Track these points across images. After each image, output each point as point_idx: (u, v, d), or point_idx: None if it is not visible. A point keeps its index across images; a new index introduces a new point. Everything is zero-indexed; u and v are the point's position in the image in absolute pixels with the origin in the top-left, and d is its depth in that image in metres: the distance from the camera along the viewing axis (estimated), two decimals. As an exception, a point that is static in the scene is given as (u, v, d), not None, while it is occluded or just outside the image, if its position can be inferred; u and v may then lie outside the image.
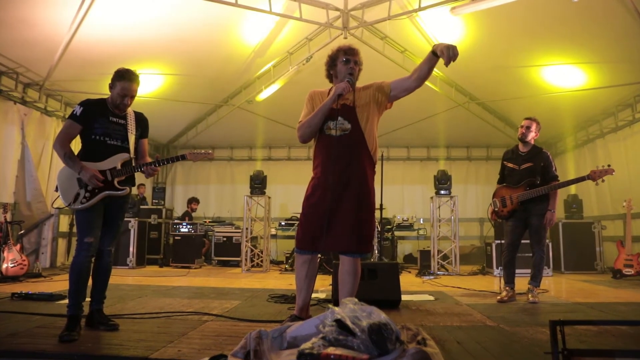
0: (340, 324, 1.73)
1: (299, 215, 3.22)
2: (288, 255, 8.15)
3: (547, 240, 6.47)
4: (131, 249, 7.57)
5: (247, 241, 7.54)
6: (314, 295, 3.68)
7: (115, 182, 2.94)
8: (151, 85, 7.63)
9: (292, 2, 6.12)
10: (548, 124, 6.74)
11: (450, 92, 8.26)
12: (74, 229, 6.96)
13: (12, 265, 5.52)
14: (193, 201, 9.64)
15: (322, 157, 2.88)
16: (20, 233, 6.32)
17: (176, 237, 8.24)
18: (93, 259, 2.91)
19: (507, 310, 3.82)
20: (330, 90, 2.96)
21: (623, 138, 7.49)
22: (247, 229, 7.58)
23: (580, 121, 8.47)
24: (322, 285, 5.13)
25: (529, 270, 4.42)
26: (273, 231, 8.90)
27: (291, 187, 10.05)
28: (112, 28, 5.96)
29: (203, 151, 3.16)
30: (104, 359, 2.34)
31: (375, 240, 6.87)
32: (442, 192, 7.65)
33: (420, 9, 5.95)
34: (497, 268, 6.73)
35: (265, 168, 8.78)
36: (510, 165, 4.57)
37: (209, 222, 9.55)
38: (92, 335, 2.74)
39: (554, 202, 4.33)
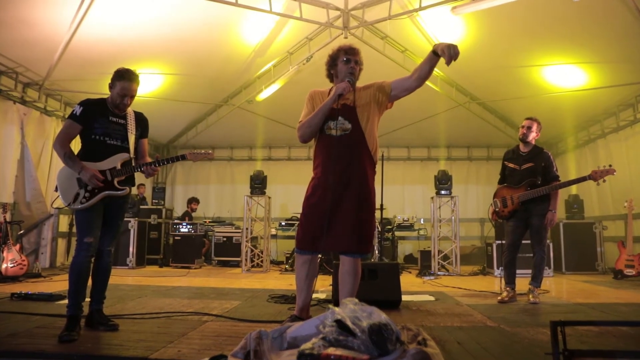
0: (340, 324, 1.73)
1: (299, 216, 3.21)
2: (288, 255, 8.14)
3: (548, 241, 6.45)
4: (131, 249, 7.56)
5: (247, 241, 7.53)
6: (314, 295, 3.66)
7: (115, 182, 2.94)
8: (151, 85, 7.62)
9: (293, 1, 6.10)
10: (549, 124, 6.73)
11: (450, 92, 8.25)
12: (74, 229, 7.00)
13: (12, 265, 5.52)
14: (193, 201, 9.64)
15: (322, 157, 2.87)
16: (19, 233, 6.31)
17: (176, 237, 8.23)
18: (93, 259, 2.91)
19: (508, 310, 3.82)
20: (330, 90, 2.95)
21: (624, 138, 7.48)
22: (247, 229, 7.57)
23: (582, 121, 8.46)
24: (322, 286, 5.13)
25: (529, 271, 4.41)
26: (273, 231, 8.89)
27: (291, 187, 10.04)
28: (111, 28, 5.96)
29: (203, 151, 3.16)
30: (103, 359, 2.33)
31: (376, 240, 6.86)
32: (443, 192, 7.64)
33: (420, 8, 5.94)
34: (498, 268, 6.72)
35: (266, 168, 8.78)
36: (511, 165, 4.56)
37: (209, 222, 9.55)
38: (92, 335, 2.73)
39: (555, 203, 4.33)
